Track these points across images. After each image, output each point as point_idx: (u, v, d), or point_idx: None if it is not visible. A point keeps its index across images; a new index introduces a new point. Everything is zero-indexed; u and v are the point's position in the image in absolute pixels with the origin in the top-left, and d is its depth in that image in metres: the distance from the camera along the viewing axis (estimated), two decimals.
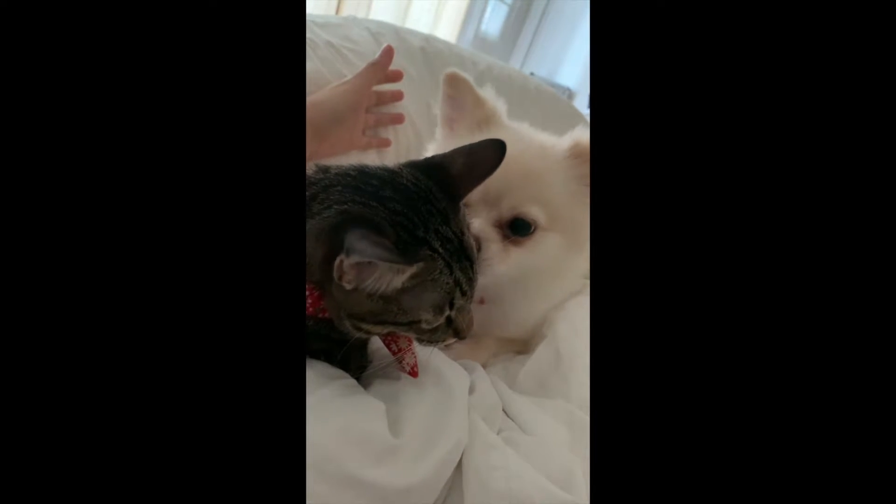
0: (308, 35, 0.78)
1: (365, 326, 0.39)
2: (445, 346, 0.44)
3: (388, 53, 0.78)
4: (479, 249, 0.51)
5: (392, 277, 0.35)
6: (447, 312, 0.39)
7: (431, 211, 0.39)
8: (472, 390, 0.48)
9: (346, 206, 0.37)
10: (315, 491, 0.32)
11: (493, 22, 2.83)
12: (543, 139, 0.60)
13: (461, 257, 0.39)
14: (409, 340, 0.45)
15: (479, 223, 0.53)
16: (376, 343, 0.49)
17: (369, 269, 0.34)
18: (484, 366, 0.56)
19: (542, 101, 1.19)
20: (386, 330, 0.40)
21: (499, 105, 0.62)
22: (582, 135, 0.58)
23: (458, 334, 0.42)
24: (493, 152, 0.42)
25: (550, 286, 0.63)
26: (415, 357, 0.45)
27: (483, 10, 2.69)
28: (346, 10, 2.11)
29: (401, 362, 0.44)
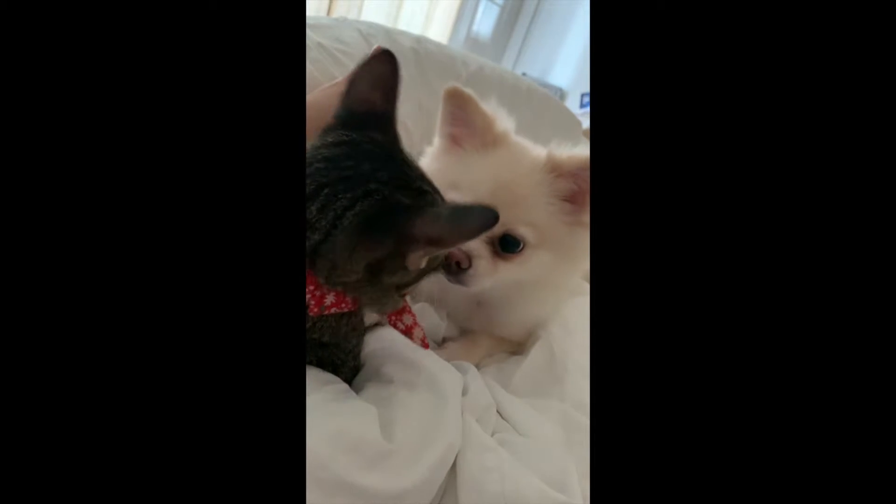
0: None
1: (410, 288, 0.44)
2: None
3: None
4: (469, 266, 0.54)
5: None
6: None
7: (402, 162, 0.40)
8: (465, 392, 0.47)
9: (358, 206, 0.36)
10: (308, 497, 0.32)
11: (484, 22, 2.83)
12: (536, 156, 0.59)
13: (437, 189, 0.42)
14: (414, 316, 0.49)
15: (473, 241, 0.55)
16: (369, 347, 0.49)
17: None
18: (477, 366, 0.56)
19: (533, 102, 1.19)
20: (421, 279, 0.44)
21: (508, 123, 0.61)
22: (555, 148, 0.58)
23: None
24: (386, 67, 0.42)
25: (544, 294, 0.63)
26: (422, 330, 0.48)
27: (474, 11, 2.69)
28: (338, 12, 2.11)
29: (411, 337, 0.48)
